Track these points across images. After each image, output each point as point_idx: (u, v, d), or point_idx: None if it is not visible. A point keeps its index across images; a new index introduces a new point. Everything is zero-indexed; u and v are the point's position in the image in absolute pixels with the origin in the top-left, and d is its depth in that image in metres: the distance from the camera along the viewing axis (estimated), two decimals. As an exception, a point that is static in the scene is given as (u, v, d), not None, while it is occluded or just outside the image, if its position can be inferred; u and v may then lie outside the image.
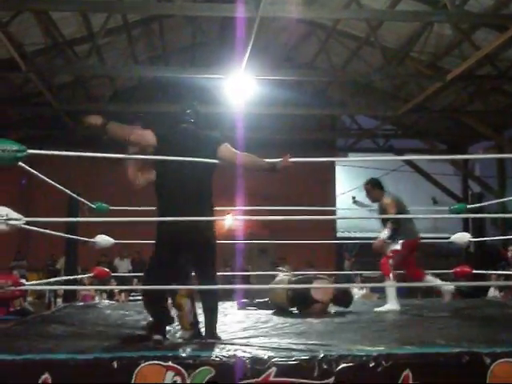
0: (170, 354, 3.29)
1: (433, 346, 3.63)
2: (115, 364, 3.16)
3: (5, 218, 3.60)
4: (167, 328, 4.20)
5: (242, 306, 6.60)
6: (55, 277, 14.46)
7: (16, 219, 3.67)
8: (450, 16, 10.12)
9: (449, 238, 7.19)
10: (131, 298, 10.79)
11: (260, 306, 6.49)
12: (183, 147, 4.10)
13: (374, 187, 6.75)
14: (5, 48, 10.78)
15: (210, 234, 4.15)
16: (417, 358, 3.34)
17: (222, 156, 4.19)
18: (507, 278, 7.15)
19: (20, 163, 3.63)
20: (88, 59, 12.26)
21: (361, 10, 11.51)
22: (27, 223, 3.85)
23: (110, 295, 12.11)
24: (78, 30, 12.96)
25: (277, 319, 5.39)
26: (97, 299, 10.31)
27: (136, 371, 3.14)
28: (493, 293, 7.55)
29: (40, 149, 3.93)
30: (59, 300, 12.26)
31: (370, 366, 3.27)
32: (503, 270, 7.47)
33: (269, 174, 4.36)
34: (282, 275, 6.68)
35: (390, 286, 6.26)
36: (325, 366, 3.24)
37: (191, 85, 14.16)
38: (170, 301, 4.29)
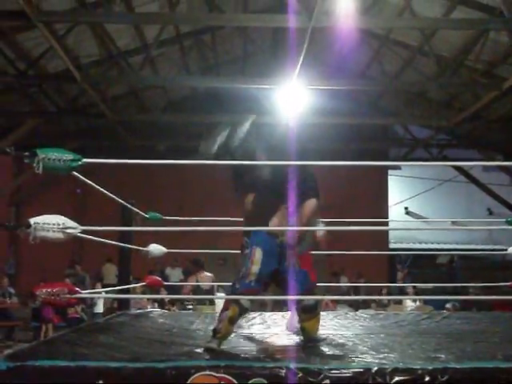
0: (222, 364, 3.26)
1: (491, 360, 3.51)
2: (169, 373, 3.16)
3: (61, 226, 3.63)
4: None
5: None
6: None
7: (72, 228, 3.70)
8: (507, 23, 9.93)
9: (505, 249, 7.02)
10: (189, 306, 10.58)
11: None
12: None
13: None
14: (61, 60, 11.01)
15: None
16: (474, 373, 3.24)
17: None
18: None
19: (74, 172, 3.68)
20: (141, 70, 12.45)
21: (414, 18, 11.38)
22: (83, 232, 3.87)
23: (161, 304, 12.15)
24: (131, 42, 13.18)
25: (331, 330, 5.32)
26: (149, 308, 10.36)
27: (189, 381, 3.13)
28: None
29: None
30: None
31: (426, 380, 3.18)
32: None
33: None
34: None
35: None
36: (379, 379, 3.17)
37: (243, 95, 14.24)
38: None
